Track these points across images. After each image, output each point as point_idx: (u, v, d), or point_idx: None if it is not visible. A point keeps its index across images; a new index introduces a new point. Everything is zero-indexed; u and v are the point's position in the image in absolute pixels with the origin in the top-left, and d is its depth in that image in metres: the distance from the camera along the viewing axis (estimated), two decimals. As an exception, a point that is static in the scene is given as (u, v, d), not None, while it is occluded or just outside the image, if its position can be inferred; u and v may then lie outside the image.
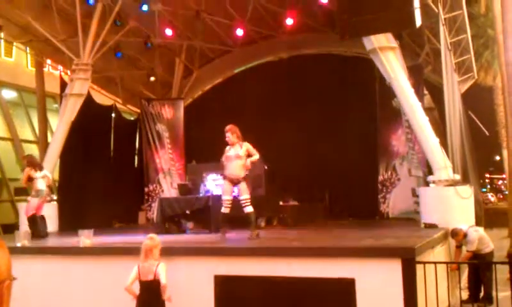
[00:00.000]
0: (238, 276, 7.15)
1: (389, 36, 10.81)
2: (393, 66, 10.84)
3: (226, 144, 9.28)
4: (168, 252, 7.05)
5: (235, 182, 9.15)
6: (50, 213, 13.29)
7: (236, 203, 9.24)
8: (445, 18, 11.03)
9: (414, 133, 11.84)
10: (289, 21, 15.41)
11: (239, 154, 9.03)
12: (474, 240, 8.87)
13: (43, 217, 10.67)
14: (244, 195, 9.08)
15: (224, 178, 9.25)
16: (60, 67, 15.63)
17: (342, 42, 13.87)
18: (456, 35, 12.22)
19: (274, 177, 13.95)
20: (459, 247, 9.18)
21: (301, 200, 13.76)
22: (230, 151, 9.14)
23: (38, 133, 17.32)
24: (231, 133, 9.15)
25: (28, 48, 16.49)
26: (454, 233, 9.11)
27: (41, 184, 10.51)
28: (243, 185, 9.12)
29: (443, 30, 10.88)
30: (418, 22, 9.12)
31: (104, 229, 11.73)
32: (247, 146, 9.14)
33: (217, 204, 10.19)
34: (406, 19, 9.08)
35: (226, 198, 9.15)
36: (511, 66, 9.30)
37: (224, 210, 9.16)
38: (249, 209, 9.05)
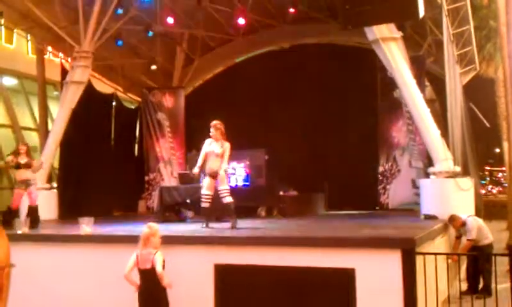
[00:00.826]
0: (238, 265, 7.17)
1: (391, 26, 10.78)
2: (395, 56, 10.82)
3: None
4: (168, 241, 7.06)
5: (213, 176, 9.37)
6: (50, 201, 13.35)
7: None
8: (448, 9, 10.98)
9: (415, 124, 11.83)
10: (291, 10, 15.34)
11: (218, 152, 9.26)
12: (473, 228, 8.87)
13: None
14: (223, 185, 9.33)
15: (205, 174, 9.50)
16: (61, 54, 15.56)
17: (343, 32, 13.77)
18: (459, 26, 12.17)
19: (274, 167, 13.96)
20: (458, 237, 9.20)
21: (301, 190, 13.77)
22: (211, 147, 9.26)
23: (39, 120, 17.26)
24: (215, 129, 9.33)
25: (29, 35, 16.41)
26: (452, 219, 9.13)
27: (25, 174, 10.51)
28: (222, 176, 9.35)
29: (446, 21, 10.84)
30: (422, 12, 9.06)
31: (103, 218, 11.74)
32: (226, 147, 9.31)
33: (216, 194, 10.20)
34: (409, 9, 9.02)
35: (206, 193, 9.42)
36: (512, 58, 9.27)
37: (204, 204, 9.44)
38: (228, 199, 9.30)
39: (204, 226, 9.35)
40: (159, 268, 6.31)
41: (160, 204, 11.61)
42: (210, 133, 9.31)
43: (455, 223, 9.11)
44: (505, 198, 18.13)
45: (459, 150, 11.07)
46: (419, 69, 13.17)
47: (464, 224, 9.02)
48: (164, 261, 6.41)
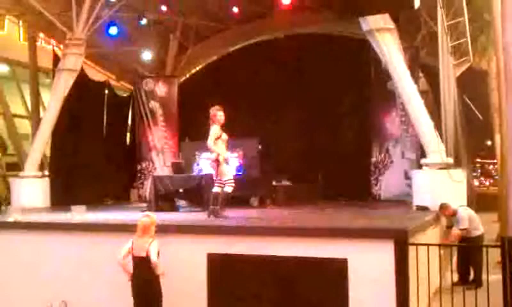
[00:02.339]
0: (231, 254, 7.19)
1: (386, 17, 10.75)
2: (389, 48, 10.80)
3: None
4: (161, 230, 7.05)
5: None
6: (42, 188, 13.30)
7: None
8: (442, 1, 10.97)
9: (408, 115, 11.84)
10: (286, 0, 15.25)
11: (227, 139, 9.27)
12: (464, 218, 8.91)
13: None
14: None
15: (225, 160, 9.25)
16: (53, 41, 15.43)
17: (338, 22, 13.80)
18: (453, 18, 12.16)
19: (267, 157, 13.95)
20: (449, 227, 9.25)
21: (294, 180, 13.77)
22: (223, 134, 9.18)
23: (30, 108, 17.15)
24: (224, 113, 9.20)
25: (20, 21, 16.24)
26: (442, 207, 9.16)
27: None
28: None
29: (440, 12, 10.82)
30: (417, 3, 9.06)
31: (95, 206, 11.71)
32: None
33: (210, 183, 10.20)
34: (404, 0, 9.03)
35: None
36: (507, 50, 9.26)
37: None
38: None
39: (226, 215, 9.02)
40: (153, 257, 6.33)
41: (153, 193, 11.58)
42: (222, 118, 9.16)
43: (445, 212, 9.16)
44: (497, 190, 18.24)
45: (452, 142, 11.10)
46: (413, 60, 13.17)
47: (455, 213, 9.07)
48: (158, 251, 6.42)
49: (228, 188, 9.12)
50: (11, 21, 17.89)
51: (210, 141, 9.00)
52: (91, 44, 14.44)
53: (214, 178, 9.42)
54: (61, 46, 14.41)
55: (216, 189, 9.19)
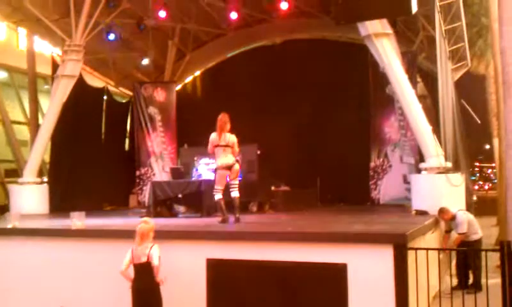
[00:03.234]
0: (230, 260, 7.17)
1: (384, 22, 10.78)
2: (387, 52, 10.82)
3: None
4: (160, 235, 7.04)
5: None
6: (41, 195, 13.29)
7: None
8: (440, 6, 11.00)
9: (407, 120, 11.87)
10: (284, 5, 15.30)
11: None
12: (463, 222, 8.92)
13: None
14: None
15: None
16: (52, 48, 15.45)
17: (336, 28, 13.78)
18: (451, 23, 12.21)
19: (266, 162, 13.94)
20: (448, 232, 9.25)
21: (293, 185, 13.77)
22: None
23: (29, 114, 17.16)
24: None
25: (19, 28, 16.26)
26: (441, 211, 9.16)
27: None
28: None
29: (438, 17, 10.86)
30: (414, 8, 9.09)
31: (94, 212, 11.70)
32: None
33: (209, 189, 10.22)
34: (402, 5, 9.05)
35: None
36: (504, 54, 9.30)
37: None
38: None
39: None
40: (155, 262, 6.33)
41: (152, 199, 11.58)
42: (228, 125, 9.38)
43: (444, 216, 9.15)
44: (495, 194, 18.26)
45: (451, 146, 11.11)
46: (411, 65, 13.23)
47: (454, 217, 9.07)
48: (159, 256, 6.42)
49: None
50: (10, 28, 17.91)
51: (236, 148, 9.48)
52: (90, 50, 14.47)
53: (231, 182, 9.47)
54: (60, 52, 14.44)
55: (237, 194, 9.38)
